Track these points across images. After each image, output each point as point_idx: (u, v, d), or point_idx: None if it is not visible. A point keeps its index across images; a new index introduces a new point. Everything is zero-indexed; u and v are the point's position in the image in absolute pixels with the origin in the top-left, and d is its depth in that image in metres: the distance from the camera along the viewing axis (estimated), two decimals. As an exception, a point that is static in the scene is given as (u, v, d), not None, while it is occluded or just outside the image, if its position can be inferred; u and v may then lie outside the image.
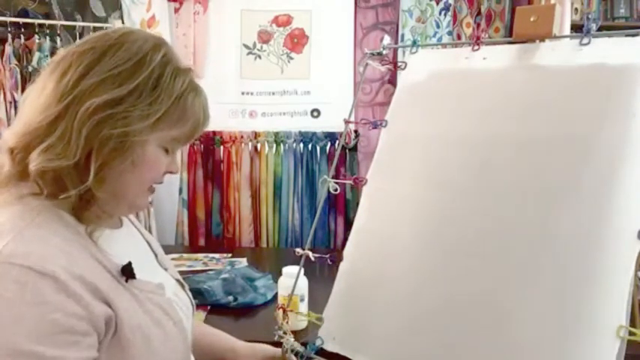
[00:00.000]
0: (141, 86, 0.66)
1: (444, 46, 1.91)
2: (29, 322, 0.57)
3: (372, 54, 1.10)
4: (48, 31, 2.16)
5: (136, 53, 0.67)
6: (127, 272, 0.69)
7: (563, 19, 1.78)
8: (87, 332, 0.62)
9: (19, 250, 0.59)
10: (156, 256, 0.86)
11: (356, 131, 2.29)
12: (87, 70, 0.65)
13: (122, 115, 0.65)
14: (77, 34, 2.19)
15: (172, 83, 0.69)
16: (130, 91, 0.65)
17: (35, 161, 0.63)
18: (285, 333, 1.12)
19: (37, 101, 0.66)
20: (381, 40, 1.10)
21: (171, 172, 0.76)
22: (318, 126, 2.34)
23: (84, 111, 0.63)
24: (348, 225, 2.24)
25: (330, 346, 1.04)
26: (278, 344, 1.09)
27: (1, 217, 0.64)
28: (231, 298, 1.51)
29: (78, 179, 0.64)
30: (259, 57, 2.35)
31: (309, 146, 2.32)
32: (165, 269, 0.86)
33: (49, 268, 0.59)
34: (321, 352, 1.04)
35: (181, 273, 0.93)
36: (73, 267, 0.61)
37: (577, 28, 1.03)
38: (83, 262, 0.64)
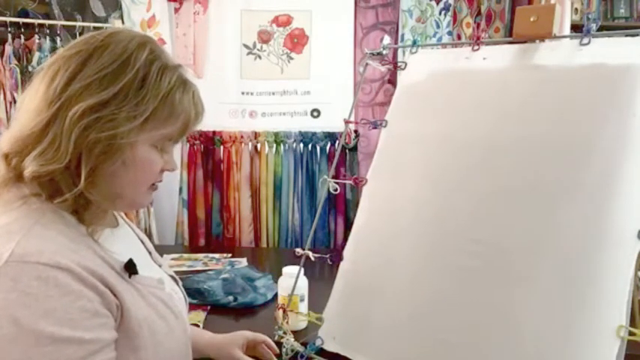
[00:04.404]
0: (126, 88, 0.66)
1: (444, 46, 1.91)
2: (60, 312, 0.60)
3: (372, 54, 1.10)
4: (48, 31, 2.16)
5: (121, 54, 0.68)
6: (130, 268, 0.71)
7: (563, 19, 1.77)
8: (109, 315, 0.66)
9: (31, 249, 0.61)
10: (150, 253, 0.88)
11: (356, 131, 2.29)
12: (73, 74, 0.66)
13: (109, 118, 0.65)
14: (77, 34, 2.18)
15: (159, 82, 0.69)
16: (115, 93, 0.66)
17: (29, 167, 0.64)
18: (285, 333, 1.12)
19: (30, 106, 0.67)
20: (381, 40, 1.10)
21: (168, 170, 0.76)
22: (318, 126, 2.34)
23: (71, 116, 0.64)
24: (348, 225, 2.24)
25: (330, 346, 1.04)
26: (278, 344, 1.09)
27: (7, 217, 0.65)
28: (231, 298, 1.51)
29: (71, 183, 0.65)
30: (259, 57, 2.35)
31: (309, 146, 2.32)
32: (160, 266, 0.88)
33: (62, 262, 0.61)
34: (321, 352, 1.05)
35: (181, 273, 0.94)
36: (82, 261, 0.63)
37: (577, 28, 1.03)
38: (89, 258, 0.66)
